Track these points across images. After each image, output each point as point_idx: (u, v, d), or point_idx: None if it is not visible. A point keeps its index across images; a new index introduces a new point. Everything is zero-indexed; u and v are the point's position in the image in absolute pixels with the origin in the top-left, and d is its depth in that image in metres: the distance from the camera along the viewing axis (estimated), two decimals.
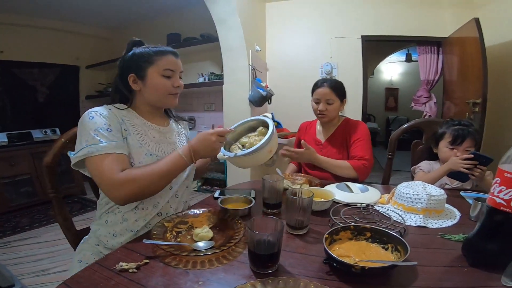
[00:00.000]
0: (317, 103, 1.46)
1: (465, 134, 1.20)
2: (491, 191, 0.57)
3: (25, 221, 2.78)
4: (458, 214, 0.90)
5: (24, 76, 3.58)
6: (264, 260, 0.59)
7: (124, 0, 3.28)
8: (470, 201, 0.94)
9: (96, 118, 0.84)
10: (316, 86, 1.48)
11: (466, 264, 0.61)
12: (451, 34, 2.75)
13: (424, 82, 3.12)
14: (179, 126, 1.15)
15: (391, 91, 6.18)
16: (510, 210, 0.53)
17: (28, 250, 2.19)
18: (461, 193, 1.09)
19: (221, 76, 3.09)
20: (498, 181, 0.55)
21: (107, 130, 0.83)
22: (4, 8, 3.12)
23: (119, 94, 0.97)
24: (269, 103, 2.80)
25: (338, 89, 1.44)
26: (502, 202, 0.53)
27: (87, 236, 0.97)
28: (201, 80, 3.41)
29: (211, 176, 3.61)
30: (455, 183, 1.26)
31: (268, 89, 2.60)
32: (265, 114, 0.98)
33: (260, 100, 2.57)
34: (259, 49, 2.93)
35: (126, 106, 0.97)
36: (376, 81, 6.12)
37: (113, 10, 3.53)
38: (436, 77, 3.07)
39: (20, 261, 2.03)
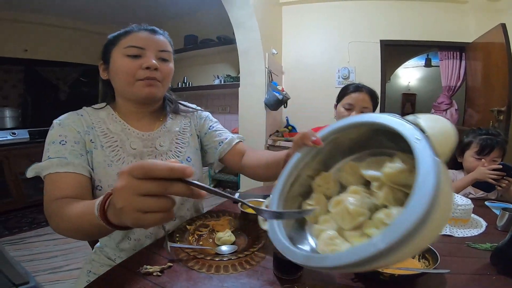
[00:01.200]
0: (349, 109, 1.28)
1: (493, 144, 1.17)
2: None
3: (42, 217, 2.81)
4: (484, 223, 0.88)
5: (47, 74, 3.70)
6: (290, 266, 0.58)
7: (143, 2, 3.36)
8: (496, 211, 0.92)
9: (54, 128, 0.71)
10: (348, 90, 1.32)
11: (495, 272, 0.61)
12: (475, 40, 2.68)
13: (446, 88, 3.04)
14: (182, 122, 0.89)
15: (408, 97, 6.01)
16: None
17: (43, 247, 2.23)
18: (486, 203, 1.06)
19: (237, 79, 3.11)
20: None
21: (59, 143, 0.68)
22: (29, 7, 3.23)
23: (105, 90, 0.83)
24: (284, 107, 2.80)
25: (375, 97, 1.32)
26: None
27: (98, 246, 0.88)
28: (216, 82, 3.44)
29: (224, 178, 3.60)
30: (479, 193, 1.23)
31: (284, 92, 2.60)
32: (408, 117, 0.39)
33: (276, 103, 2.58)
34: (276, 52, 2.94)
35: (104, 104, 0.81)
36: (393, 86, 5.98)
37: (131, 12, 3.62)
38: (458, 84, 2.99)
39: (35, 258, 2.06)
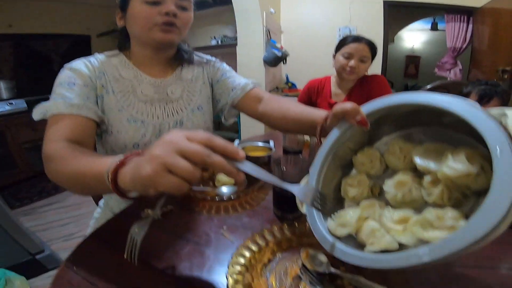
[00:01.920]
0: (348, 58, 1.32)
1: (492, 93, 1.16)
2: None
3: (50, 185, 2.85)
4: None
5: (38, 47, 3.62)
6: (290, 204, 0.57)
7: None
8: None
9: (65, 72, 0.69)
10: (347, 40, 1.34)
11: None
12: (484, 4, 2.58)
13: (451, 49, 2.96)
14: (195, 70, 0.87)
15: (412, 59, 5.88)
16: None
17: (55, 215, 2.26)
18: None
19: (234, 39, 3.04)
20: None
21: (68, 84, 0.66)
22: None
23: (121, 38, 0.80)
24: (284, 63, 2.78)
25: (374, 48, 1.35)
26: None
27: (102, 202, 0.88)
28: (213, 43, 3.36)
29: (224, 135, 3.60)
30: None
31: (283, 50, 2.57)
32: (493, 110, 0.35)
33: (275, 60, 2.58)
34: (274, 12, 2.83)
35: (117, 52, 0.79)
36: (397, 48, 5.84)
37: None
38: (464, 45, 2.90)
39: (48, 227, 2.10)
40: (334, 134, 0.48)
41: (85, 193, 0.57)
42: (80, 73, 0.69)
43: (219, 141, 0.35)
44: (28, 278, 1.32)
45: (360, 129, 0.47)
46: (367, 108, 0.45)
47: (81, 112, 0.63)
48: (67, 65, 0.70)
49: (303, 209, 0.46)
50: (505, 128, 0.28)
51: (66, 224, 2.12)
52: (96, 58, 0.75)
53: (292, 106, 0.75)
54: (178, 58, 0.84)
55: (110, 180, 0.40)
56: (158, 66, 0.80)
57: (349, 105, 0.46)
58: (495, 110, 0.30)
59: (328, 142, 0.49)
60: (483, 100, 1.16)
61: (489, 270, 0.39)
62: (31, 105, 3.18)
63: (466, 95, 1.24)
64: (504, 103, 1.17)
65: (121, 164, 0.41)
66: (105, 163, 0.43)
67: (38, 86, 3.52)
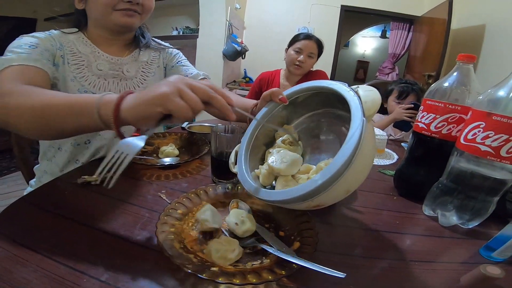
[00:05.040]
0: (298, 52, 1.51)
1: (409, 90, 1.39)
2: (416, 118, 0.67)
3: None
4: (396, 156, 1.03)
5: None
6: (226, 168, 0.58)
7: None
8: None
9: (24, 38, 0.67)
10: (299, 37, 1.54)
11: (397, 194, 0.70)
12: (423, 14, 2.89)
13: (391, 55, 3.30)
14: (151, 54, 0.92)
15: (362, 64, 6.42)
16: (429, 133, 0.62)
17: None
18: (402, 144, 1.23)
19: (196, 30, 3.02)
20: (421, 109, 0.65)
21: (29, 46, 0.65)
22: None
23: (78, 18, 0.80)
24: (242, 58, 2.86)
25: (321, 46, 1.56)
26: (424, 126, 0.63)
27: (34, 180, 0.86)
28: (175, 33, 3.31)
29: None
30: (398, 134, 1.44)
31: (243, 45, 2.64)
32: (353, 86, 0.46)
33: (234, 54, 2.63)
34: (239, 7, 2.87)
35: (76, 30, 0.79)
36: (350, 53, 6.31)
37: None
38: (402, 52, 3.25)
39: None
40: (262, 111, 0.59)
41: (48, 128, 0.49)
42: (41, 39, 0.69)
43: (219, 87, 0.44)
44: None
45: (281, 112, 0.59)
46: (286, 91, 0.58)
47: (44, 68, 0.64)
48: (32, 34, 0.70)
49: (235, 169, 0.53)
50: (357, 92, 0.43)
51: None
52: (52, 33, 0.75)
53: (231, 96, 0.84)
54: (135, 42, 0.88)
55: (114, 105, 0.41)
56: (116, 47, 0.83)
57: (274, 88, 0.58)
58: (354, 86, 0.45)
59: (257, 116, 0.59)
60: (402, 95, 1.40)
61: (426, 265, 0.45)
62: None
63: (390, 91, 1.46)
64: (420, 98, 1.41)
65: (127, 92, 0.43)
66: (92, 96, 0.45)
67: None
